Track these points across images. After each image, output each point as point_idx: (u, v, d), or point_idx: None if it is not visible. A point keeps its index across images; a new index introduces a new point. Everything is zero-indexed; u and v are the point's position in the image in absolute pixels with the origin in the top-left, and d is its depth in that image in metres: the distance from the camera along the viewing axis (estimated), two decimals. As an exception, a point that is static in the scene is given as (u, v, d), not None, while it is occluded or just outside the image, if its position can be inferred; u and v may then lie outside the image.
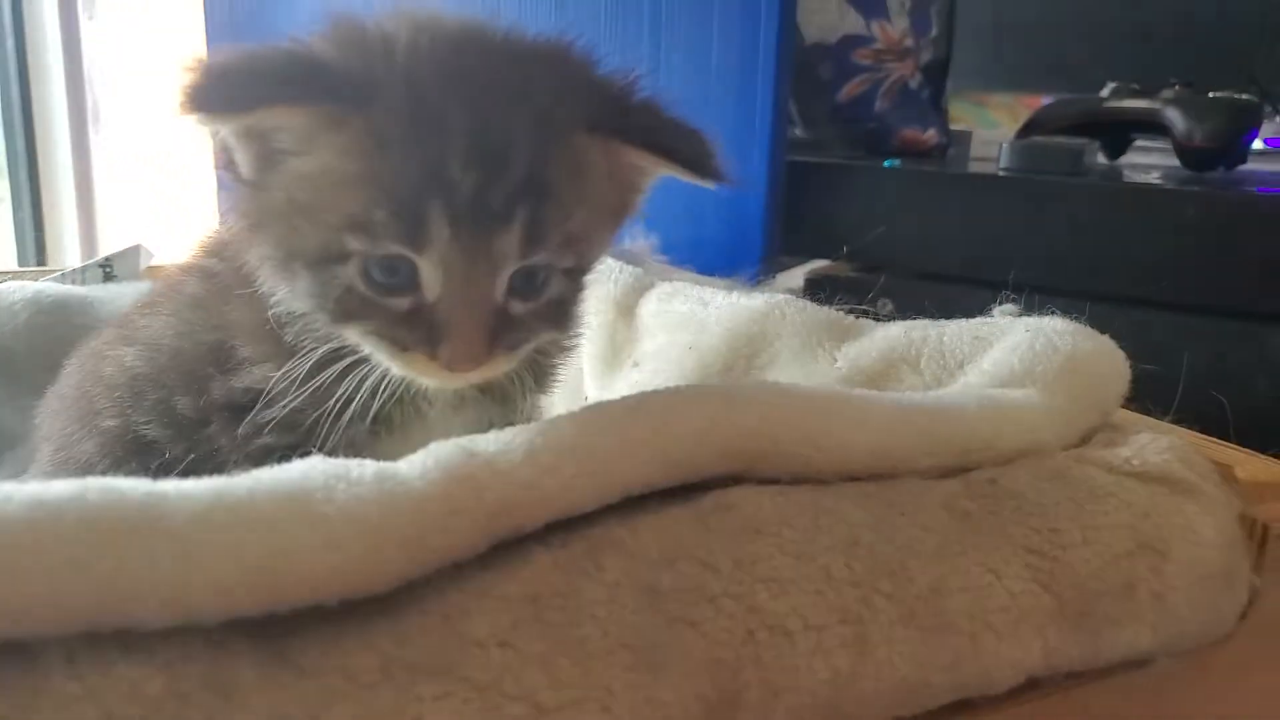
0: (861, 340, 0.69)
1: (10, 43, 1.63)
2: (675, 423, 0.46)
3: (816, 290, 1.14)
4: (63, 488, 0.35)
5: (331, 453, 0.53)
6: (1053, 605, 0.45)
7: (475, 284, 0.46)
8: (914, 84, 1.64)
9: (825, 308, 0.73)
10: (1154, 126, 1.62)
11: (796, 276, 1.26)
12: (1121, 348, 0.59)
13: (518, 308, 0.48)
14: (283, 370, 0.51)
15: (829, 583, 0.42)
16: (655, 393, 0.49)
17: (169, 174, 1.73)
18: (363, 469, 0.40)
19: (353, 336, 0.49)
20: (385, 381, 0.51)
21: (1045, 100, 2.13)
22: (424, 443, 0.54)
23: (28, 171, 1.64)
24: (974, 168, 1.55)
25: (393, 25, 0.48)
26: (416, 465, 0.41)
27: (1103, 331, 0.60)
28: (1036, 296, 0.70)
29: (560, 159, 0.46)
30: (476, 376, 0.50)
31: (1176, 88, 1.62)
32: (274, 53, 0.45)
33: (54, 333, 0.86)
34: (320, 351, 0.51)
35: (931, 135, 1.65)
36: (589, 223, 0.49)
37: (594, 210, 0.49)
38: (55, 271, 0.95)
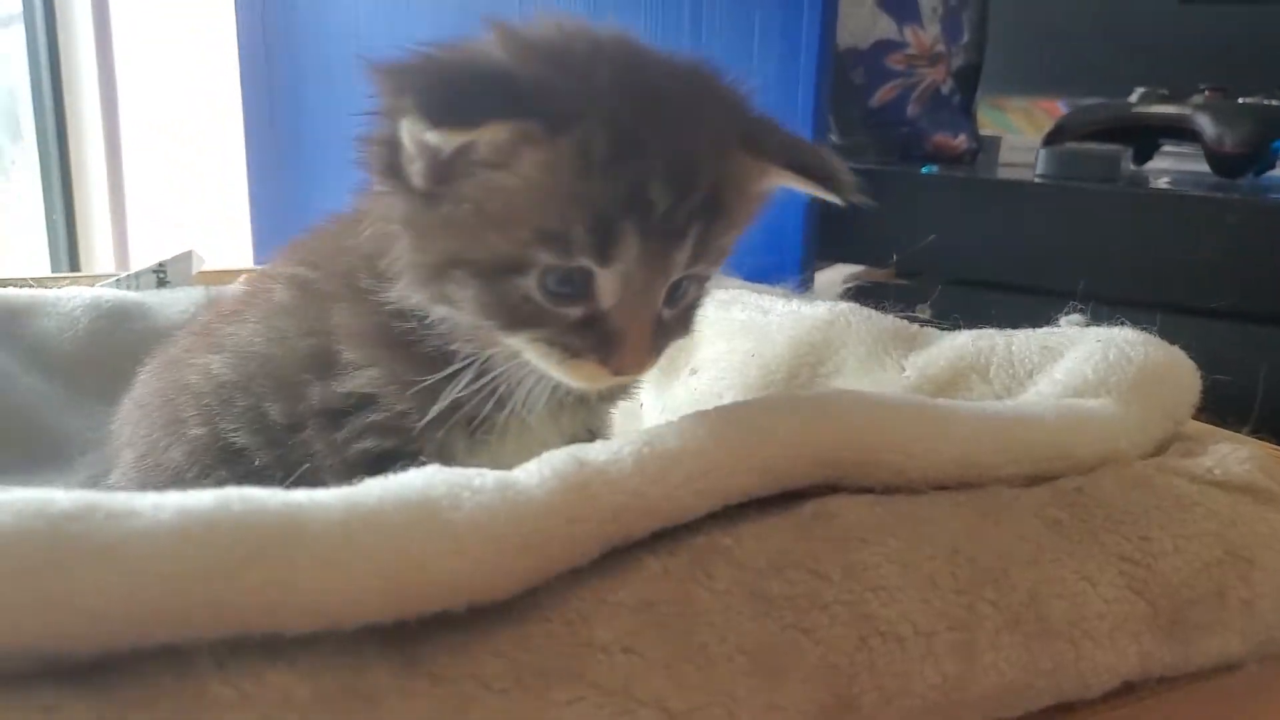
0: (929, 349, 0.70)
1: (43, 42, 1.64)
2: (775, 433, 0.47)
3: (859, 298, 1.14)
4: (206, 499, 0.36)
5: (427, 457, 0.55)
6: (1147, 612, 0.46)
7: (648, 294, 0.47)
8: (945, 89, 1.65)
9: (888, 316, 0.74)
10: (1183, 132, 1.62)
11: (835, 282, 1.27)
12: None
13: (666, 314, 0.50)
14: (385, 368, 0.52)
15: (935, 590, 0.43)
16: (752, 403, 0.50)
17: (199, 177, 1.74)
18: (484, 478, 0.41)
19: (516, 343, 0.49)
20: (505, 387, 0.52)
21: (1062, 104, 2.15)
22: (520, 448, 0.56)
23: (60, 177, 1.65)
24: (1005, 173, 1.56)
25: (568, 41, 0.48)
26: (534, 474, 0.42)
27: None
28: (1073, 302, 0.71)
29: (728, 177, 0.47)
30: (634, 379, 0.52)
31: (1206, 93, 1.63)
32: (485, 67, 0.45)
33: (114, 338, 0.87)
34: (435, 352, 0.52)
35: (962, 141, 1.66)
36: (736, 235, 0.51)
37: (742, 224, 0.51)
38: (109, 277, 0.96)
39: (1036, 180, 1.33)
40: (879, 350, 0.71)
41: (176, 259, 0.98)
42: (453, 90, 0.43)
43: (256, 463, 0.58)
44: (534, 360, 0.50)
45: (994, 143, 1.82)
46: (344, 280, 0.55)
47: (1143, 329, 0.63)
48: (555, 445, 0.59)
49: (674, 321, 0.51)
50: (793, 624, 0.41)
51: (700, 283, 0.51)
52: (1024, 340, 0.67)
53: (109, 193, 1.61)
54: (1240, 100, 1.61)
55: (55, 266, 1.66)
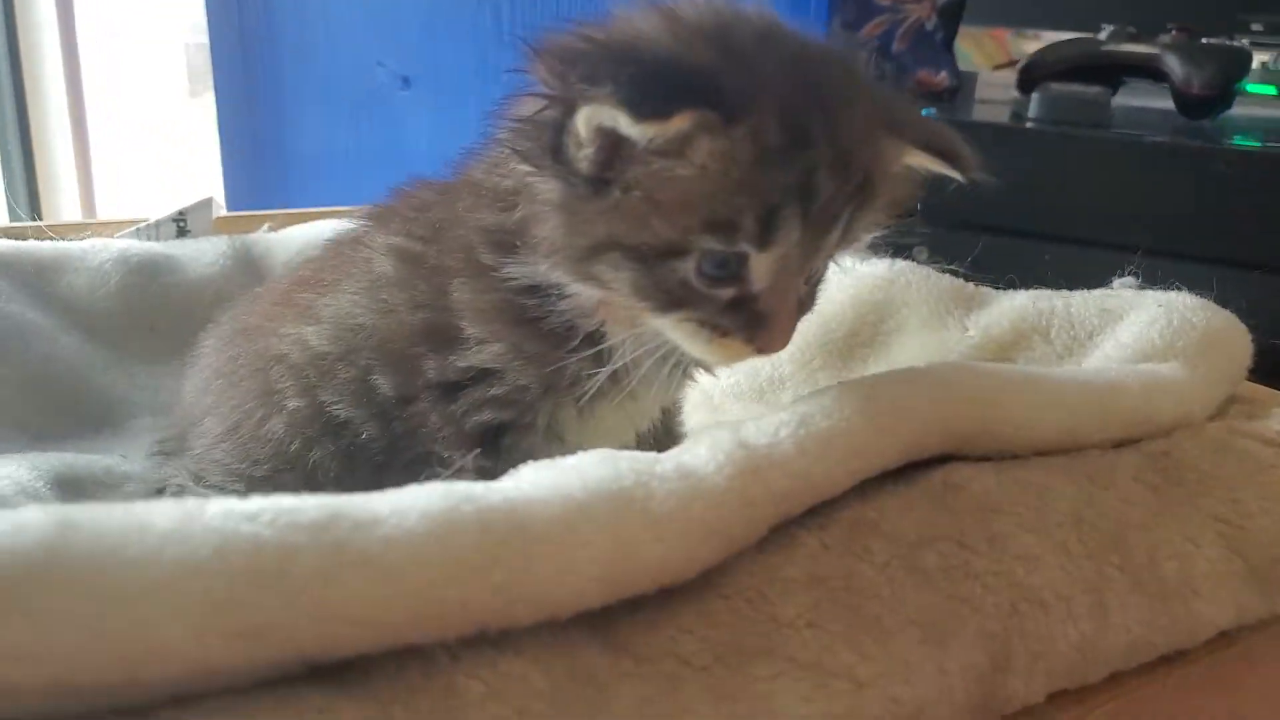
0: (989, 309, 0.73)
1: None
2: (913, 409, 0.50)
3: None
4: (435, 500, 0.37)
5: (540, 427, 0.56)
6: (1244, 569, 0.51)
7: (799, 277, 0.49)
8: (930, 26, 1.66)
9: (945, 275, 0.76)
10: (1151, 71, 1.67)
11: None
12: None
13: (802, 291, 0.51)
14: (508, 343, 0.53)
15: (1069, 557, 0.47)
16: (884, 380, 0.52)
17: (162, 128, 1.66)
18: (662, 464, 0.43)
19: (665, 323, 0.50)
20: (622, 362, 0.53)
21: (1009, 34, 2.19)
22: (623, 418, 0.58)
23: (18, 124, 1.56)
24: (990, 114, 1.59)
25: (730, 29, 0.48)
26: (706, 459, 0.44)
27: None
28: (1075, 248, 0.74)
29: (877, 161, 0.48)
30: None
31: (1174, 33, 1.67)
32: (668, 56, 0.45)
33: (148, 293, 0.85)
34: (557, 327, 0.53)
35: (944, 78, 1.69)
36: (876, 217, 0.52)
37: (883, 206, 0.52)
38: (131, 226, 0.93)
39: (1029, 126, 1.37)
40: (940, 310, 0.74)
41: (196, 206, 0.95)
42: (650, 82, 0.43)
43: (364, 435, 0.59)
44: (677, 339, 0.51)
45: (971, 79, 1.84)
46: (462, 255, 0.55)
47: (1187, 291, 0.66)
48: (652, 415, 0.62)
49: (806, 298, 0.52)
50: (951, 594, 0.44)
51: (828, 260, 0.53)
52: (1081, 302, 0.70)
53: (73, 138, 1.52)
54: (1205, 41, 1.66)
55: (13, 217, 1.58)
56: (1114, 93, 1.83)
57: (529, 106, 0.50)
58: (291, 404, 0.60)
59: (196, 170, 1.60)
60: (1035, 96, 1.40)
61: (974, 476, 0.50)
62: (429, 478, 0.58)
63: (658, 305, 0.49)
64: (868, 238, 0.53)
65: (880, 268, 0.78)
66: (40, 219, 1.61)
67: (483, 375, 0.56)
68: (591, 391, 0.55)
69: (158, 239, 0.93)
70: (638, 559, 0.39)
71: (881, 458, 0.48)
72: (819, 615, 0.42)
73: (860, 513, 0.47)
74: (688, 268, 0.47)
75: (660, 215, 0.46)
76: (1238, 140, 1.29)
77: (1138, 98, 1.86)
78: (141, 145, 1.62)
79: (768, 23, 0.49)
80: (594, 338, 0.54)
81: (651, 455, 0.44)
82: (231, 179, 1.53)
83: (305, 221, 1.01)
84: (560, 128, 0.47)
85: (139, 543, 0.31)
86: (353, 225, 0.66)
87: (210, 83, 1.53)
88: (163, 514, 0.33)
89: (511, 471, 0.45)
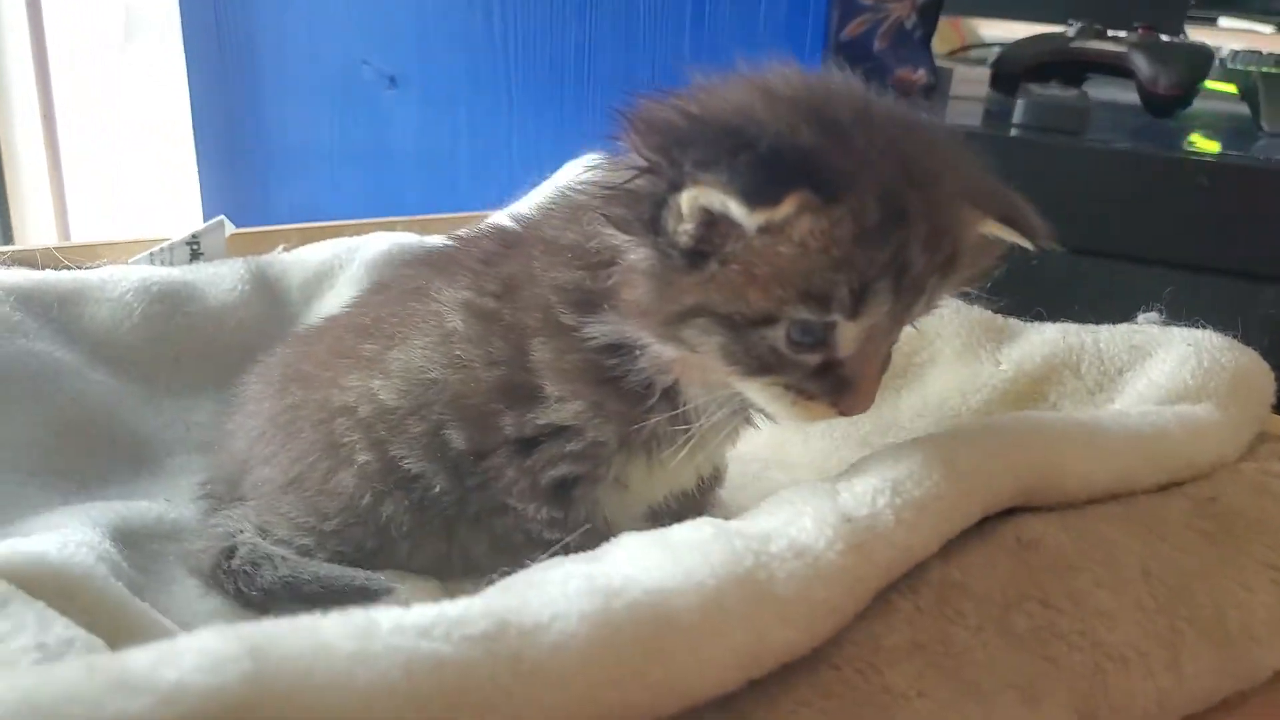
0: (1020, 342, 0.75)
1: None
2: (989, 471, 0.52)
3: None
4: (582, 595, 0.38)
5: (610, 478, 0.58)
6: (1292, 613, 0.54)
7: (885, 344, 0.51)
8: (909, 24, 1.68)
9: (974, 306, 0.79)
10: (1118, 69, 1.71)
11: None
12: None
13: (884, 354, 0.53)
14: (590, 401, 0.55)
15: (1143, 612, 0.50)
16: (958, 438, 0.54)
17: (139, 135, 1.61)
18: (775, 542, 0.44)
19: (748, 389, 0.51)
20: (696, 417, 0.55)
21: (962, 20, 2.24)
22: (685, 468, 0.60)
23: None
24: (959, 108, 1.63)
25: (830, 105, 0.49)
26: (815, 535, 0.45)
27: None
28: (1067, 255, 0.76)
29: (963, 235, 0.50)
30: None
31: (1140, 31, 1.72)
32: (770, 137, 0.46)
33: (171, 324, 0.84)
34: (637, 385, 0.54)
35: (922, 75, 1.71)
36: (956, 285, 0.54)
37: (964, 275, 0.53)
38: (143, 250, 0.91)
39: (1014, 134, 1.40)
40: (973, 343, 0.76)
41: (208, 229, 0.93)
42: (762, 169, 0.44)
43: (436, 489, 0.59)
44: (761, 401, 0.52)
45: (946, 75, 1.87)
46: (540, 314, 0.56)
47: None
48: (709, 466, 0.63)
49: (886, 360, 0.54)
50: (1041, 654, 0.47)
51: None
52: (1109, 337, 0.73)
53: (46, 156, 1.47)
54: (1165, 39, 1.71)
55: None
56: (1077, 86, 1.88)
57: (620, 174, 0.50)
58: (361, 458, 0.60)
59: (170, 159, 1.55)
60: (1020, 103, 1.43)
61: (1045, 531, 0.53)
62: (499, 528, 0.60)
63: (746, 370, 0.50)
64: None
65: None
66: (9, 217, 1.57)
67: (560, 431, 0.57)
68: (665, 445, 0.57)
69: (172, 263, 0.92)
70: (769, 645, 0.41)
71: (965, 520, 0.51)
72: (926, 684, 0.44)
73: (945, 573, 0.50)
74: (777, 335, 0.49)
75: (756, 287, 0.48)
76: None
77: (1097, 89, 1.91)
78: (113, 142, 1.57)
79: (860, 96, 0.51)
80: (670, 394, 0.55)
81: (759, 529, 0.45)
82: (207, 173, 1.49)
83: (318, 239, 1.00)
84: (661, 202, 0.48)
85: (327, 667, 0.32)
86: (408, 271, 0.66)
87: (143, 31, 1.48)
88: (339, 633, 0.34)
89: (616, 544, 0.46)
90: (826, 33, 1.27)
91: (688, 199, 0.47)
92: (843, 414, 0.51)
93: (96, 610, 0.49)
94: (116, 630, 0.50)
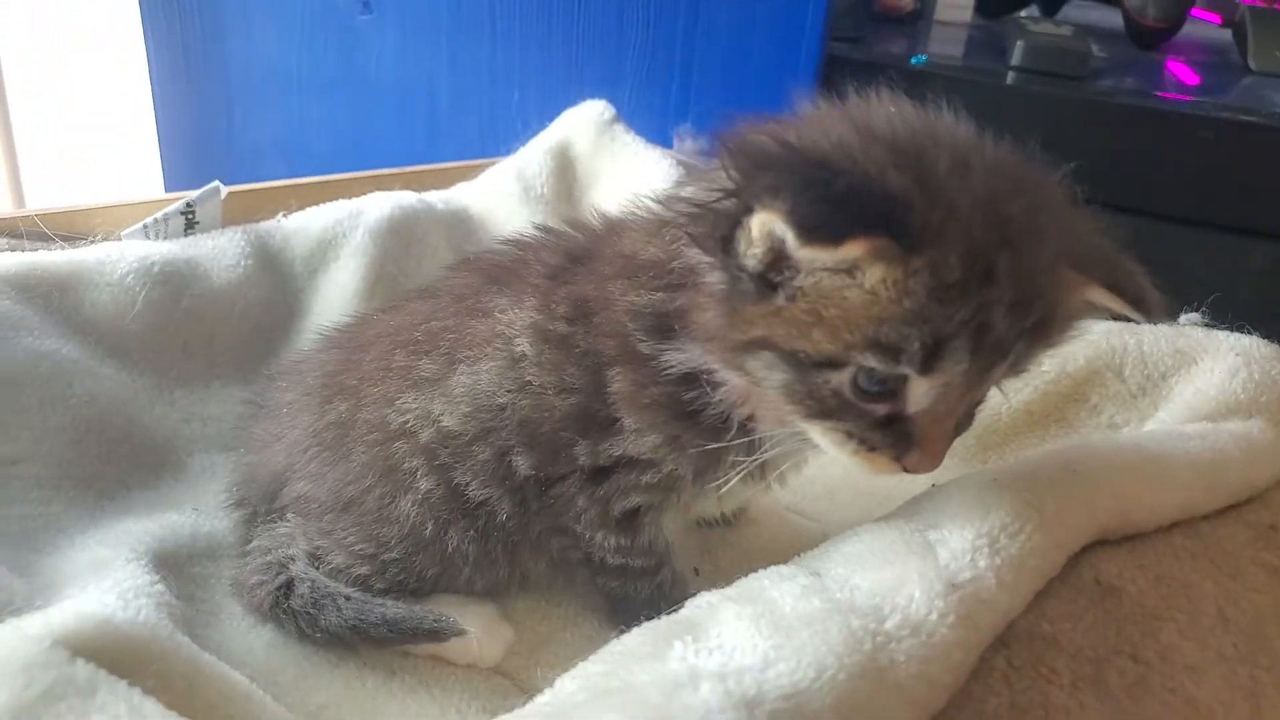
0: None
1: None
2: (1073, 515, 0.52)
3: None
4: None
5: (677, 506, 0.58)
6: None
7: (958, 403, 0.48)
8: (897, -50, 1.62)
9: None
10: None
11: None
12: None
13: (960, 414, 0.50)
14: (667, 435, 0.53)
15: (1225, 663, 0.51)
16: (1037, 478, 0.53)
17: (93, 96, 1.49)
18: (891, 619, 0.44)
19: (810, 429, 0.50)
20: (773, 454, 0.53)
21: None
22: (745, 495, 0.62)
23: None
24: (943, 34, 1.61)
25: (928, 151, 0.46)
26: (925, 607, 0.45)
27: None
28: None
29: (1060, 299, 0.47)
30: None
31: (1128, -39, 1.69)
32: (853, 177, 0.44)
33: (177, 309, 0.79)
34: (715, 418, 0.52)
35: (908, 1, 1.68)
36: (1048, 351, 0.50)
37: (1058, 342, 0.50)
38: (134, 220, 0.85)
39: (1009, 83, 1.37)
40: (1014, 341, 0.76)
41: (203, 196, 0.87)
42: (826, 205, 0.42)
43: (502, 517, 0.58)
44: (823, 445, 0.50)
45: (931, 1, 1.82)
46: (617, 342, 0.54)
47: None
48: (760, 493, 0.63)
49: (964, 419, 0.51)
50: (1137, 714, 0.48)
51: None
52: (1153, 340, 0.73)
53: None
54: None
55: None
56: (1057, 9, 1.85)
57: (709, 194, 0.48)
58: (423, 485, 0.58)
59: (124, 91, 1.44)
60: (1018, 44, 1.39)
61: (1121, 573, 0.53)
62: (557, 546, 0.60)
63: (807, 412, 0.49)
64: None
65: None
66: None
67: (634, 462, 0.55)
68: (737, 477, 0.56)
69: (167, 235, 0.86)
70: (893, 724, 0.41)
71: (1054, 570, 0.51)
72: (1029, 749, 0.45)
73: (1033, 624, 0.50)
74: (842, 379, 0.47)
75: (823, 328, 0.46)
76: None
77: (1076, 13, 1.89)
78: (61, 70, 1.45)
79: (965, 143, 0.48)
80: (746, 427, 0.54)
81: (868, 602, 0.45)
82: (164, 106, 1.39)
83: (314, 199, 0.95)
84: (735, 222, 0.46)
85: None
86: (459, 280, 0.63)
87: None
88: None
89: (716, 618, 0.45)
90: (828, 11, 1.21)
91: (758, 222, 0.45)
92: (906, 470, 0.49)
93: (170, 674, 0.47)
94: (190, 690, 0.48)
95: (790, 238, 0.44)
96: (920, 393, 0.47)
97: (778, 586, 0.48)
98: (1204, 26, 1.94)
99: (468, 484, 0.58)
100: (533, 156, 1.07)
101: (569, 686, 0.43)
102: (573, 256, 0.59)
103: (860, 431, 0.48)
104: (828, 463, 0.81)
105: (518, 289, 0.58)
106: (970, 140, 0.49)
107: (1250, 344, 0.69)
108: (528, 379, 0.56)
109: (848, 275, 0.45)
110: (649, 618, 0.51)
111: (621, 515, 0.57)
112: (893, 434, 0.48)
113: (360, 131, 1.43)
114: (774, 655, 0.41)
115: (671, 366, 0.52)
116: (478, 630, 0.58)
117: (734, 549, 0.71)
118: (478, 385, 0.57)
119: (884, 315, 0.45)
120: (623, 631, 0.49)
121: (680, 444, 0.54)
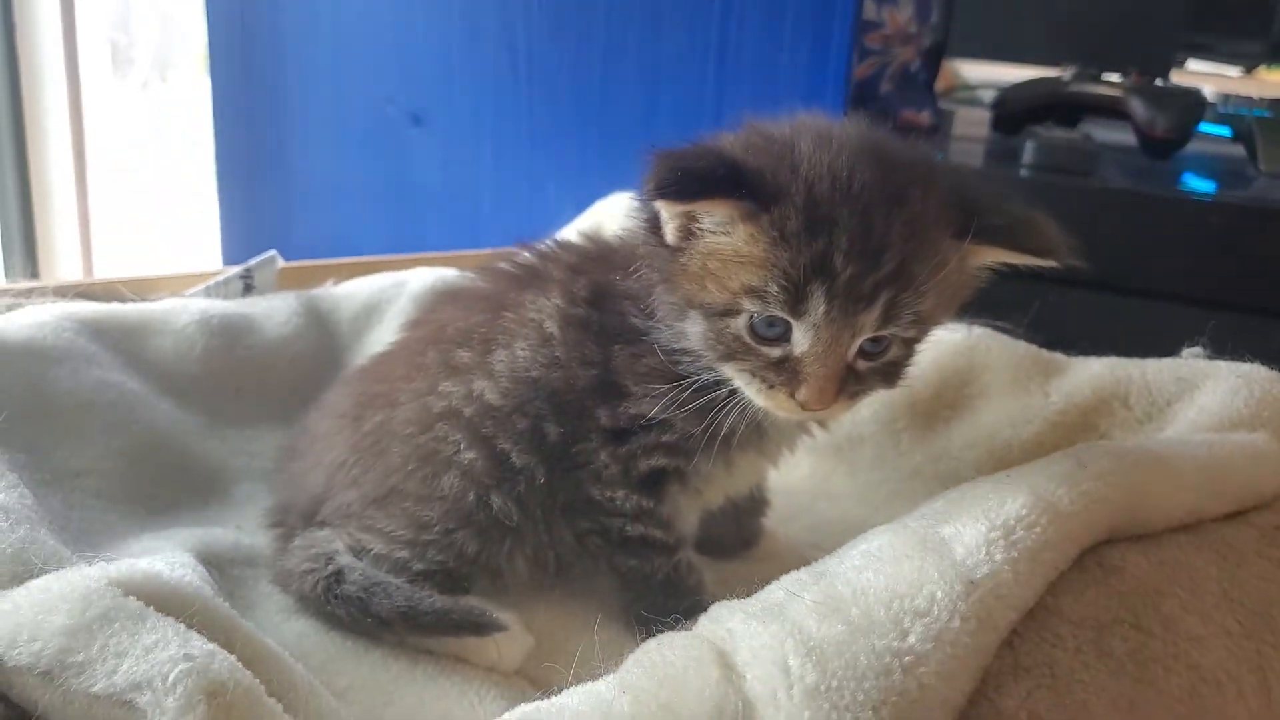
0: (1068, 376, 0.78)
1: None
2: (1090, 519, 0.54)
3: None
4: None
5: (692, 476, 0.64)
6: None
7: (835, 346, 0.55)
8: (913, 68, 1.73)
9: (1020, 341, 0.81)
10: (1114, 112, 1.76)
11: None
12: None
13: (862, 365, 0.57)
14: (667, 398, 0.60)
15: (1231, 637, 0.52)
16: (1051, 475, 0.55)
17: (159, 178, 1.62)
18: (914, 631, 0.46)
19: (728, 372, 0.58)
20: (749, 411, 0.60)
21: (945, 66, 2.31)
22: (751, 472, 0.68)
23: (17, 177, 1.51)
24: (961, 148, 1.68)
25: (797, 136, 0.57)
26: (948, 610, 0.47)
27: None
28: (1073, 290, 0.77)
29: (925, 257, 0.54)
30: (822, 416, 0.61)
31: (1134, 76, 1.78)
32: (711, 154, 0.55)
33: (232, 356, 0.85)
34: (702, 383, 0.59)
35: (925, 116, 1.76)
36: (937, 305, 0.57)
37: (943, 295, 0.57)
38: (199, 284, 0.93)
39: (1023, 174, 1.44)
40: (1021, 376, 0.79)
41: (261, 263, 0.95)
42: (680, 173, 0.53)
43: (539, 480, 0.63)
44: (739, 386, 0.58)
45: (949, 117, 1.92)
46: (619, 320, 0.62)
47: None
48: (774, 464, 0.69)
49: (871, 373, 0.58)
50: (1140, 678, 0.49)
51: (906, 343, 0.58)
52: (1156, 370, 0.76)
53: (75, 193, 1.47)
54: (1159, 84, 1.76)
55: (10, 274, 1.52)
56: (1073, 126, 1.94)
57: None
58: (466, 456, 0.63)
59: (189, 199, 1.56)
60: (1028, 144, 1.47)
61: (1124, 557, 0.55)
62: (580, 528, 0.65)
63: (720, 355, 0.58)
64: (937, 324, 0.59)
65: (959, 334, 0.82)
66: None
67: (649, 423, 0.62)
68: (738, 438, 0.62)
69: (226, 296, 0.93)
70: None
71: (1067, 563, 0.53)
72: (1036, 704, 0.46)
73: (1040, 600, 0.51)
74: (739, 325, 0.56)
75: (713, 280, 0.56)
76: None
77: (1090, 130, 1.97)
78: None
79: (838, 131, 0.57)
80: (719, 388, 0.60)
81: (892, 620, 0.47)
82: (228, 201, 1.49)
83: (363, 274, 1.02)
84: (654, 209, 0.58)
85: None
86: (479, 285, 0.70)
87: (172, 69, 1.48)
88: None
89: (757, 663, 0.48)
90: (847, 76, 1.31)
91: (663, 204, 0.56)
92: (801, 406, 0.56)
93: (212, 626, 0.50)
94: (230, 644, 0.50)
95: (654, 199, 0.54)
96: (799, 335, 0.55)
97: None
98: (1215, 141, 2.02)
99: (509, 451, 0.63)
100: (568, 237, 1.13)
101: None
102: (587, 256, 0.68)
103: (760, 371, 0.57)
104: (851, 505, 0.85)
105: (543, 283, 0.66)
106: (849, 130, 0.57)
107: (1250, 369, 0.72)
108: (556, 355, 0.63)
109: (725, 235, 0.55)
110: (662, 606, 0.57)
111: (643, 478, 0.63)
112: (785, 372, 0.56)
113: (408, 232, 1.52)
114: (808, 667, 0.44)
115: (660, 341, 0.61)
116: (499, 635, 0.60)
117: (753, 587, 0.73)
118: (515, 362, 0.64)
119: (747, 263, 0.55)
120: (637, 620, 0.57)
121: (681, 405, 0.60)
